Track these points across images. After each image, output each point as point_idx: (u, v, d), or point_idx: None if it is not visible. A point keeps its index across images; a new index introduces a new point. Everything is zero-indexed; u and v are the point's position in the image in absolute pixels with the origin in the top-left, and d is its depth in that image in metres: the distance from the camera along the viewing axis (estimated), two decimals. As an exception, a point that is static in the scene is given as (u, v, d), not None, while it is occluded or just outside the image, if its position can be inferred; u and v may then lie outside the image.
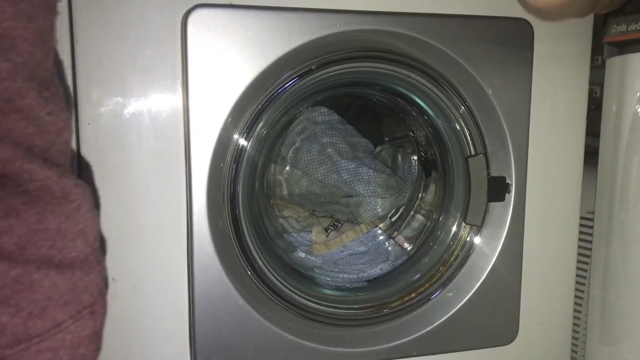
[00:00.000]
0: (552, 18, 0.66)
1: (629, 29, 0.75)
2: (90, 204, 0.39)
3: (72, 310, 0.36)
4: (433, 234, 0.96)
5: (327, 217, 1.10)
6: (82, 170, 0.67)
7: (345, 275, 0.97)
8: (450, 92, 0.81)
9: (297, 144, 1.10)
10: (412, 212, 1.08)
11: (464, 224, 0.88)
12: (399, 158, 1.15)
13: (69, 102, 0.60)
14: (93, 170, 0.68)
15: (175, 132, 0.70)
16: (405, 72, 0.80)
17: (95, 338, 0.38)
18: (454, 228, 0.90)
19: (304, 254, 1.00)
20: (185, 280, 0.72)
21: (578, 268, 0.91)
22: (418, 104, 0.90)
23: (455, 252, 0.88)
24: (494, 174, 0.84)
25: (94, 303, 0.39)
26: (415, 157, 1.10)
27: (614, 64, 0.81)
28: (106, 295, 0.40)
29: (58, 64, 0.63)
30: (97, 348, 0.39)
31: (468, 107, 0.81)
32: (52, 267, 0.35)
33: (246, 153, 0.75)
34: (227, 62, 0.68)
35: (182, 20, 0.67)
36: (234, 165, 0.74)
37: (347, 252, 1.01)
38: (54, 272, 0.35)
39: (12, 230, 0.34)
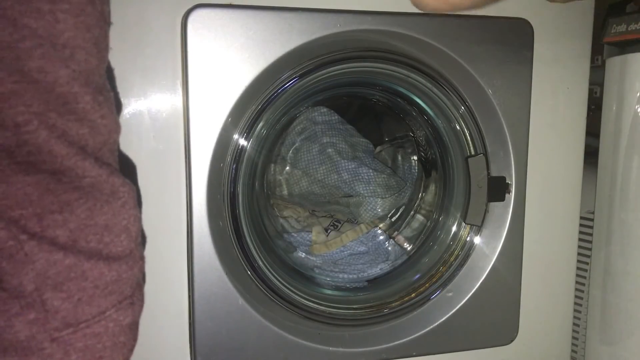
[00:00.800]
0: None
1: (629, 29, 0.75)
2: (134, 202, 0.42)
3: (115, 300, 0.39)
4: (433, 234, 0.96)
5: (327, 217, 1.10)
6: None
7: (345, 275, 0.97)
8: (450, 92, 0.81)
9: (297, 144, 1.11)
10: (412, 212, 1.08)
11: (464, 224, 0.88)
12: (399, 158, 1.15)
13: (119, 106, 0.62)
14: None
15: (175, 132, 0.70)
16: (405, 72, 0.80)
17: (134, 328, 0.42)
18: (454, 228, 0.90)
19: (304, 254, 1.00)
20: (185, 280, 0.72)
21: (578, 268, 0.91)
22: (418, 104, 0.90)
23: (455, 252, 0.88)
24: (494, 174, 0.84)
25: (134, 295, 0.42)
26: (415, 157, 1.10)
27: (614, 64, 0.81)
28: (143, 288, 0.43)
29: (109, 70, 0.64)
30: (135, 338, 0.42)
31: (468, 107, 0.81)
32: (101, 259, 0.38)
33: (246, 153, 0.75)
34: (227, 62, 0.68)
35: (182, 20, 0.67)
36: (234, 165, 0.74)
37: (347, 252, 1.01)
38: (102, 263, 0.38)
39: (65, 224, 0.37)
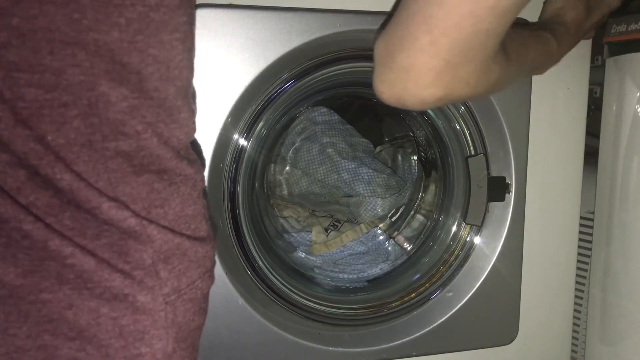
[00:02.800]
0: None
1: (629, 29, 0.75)
2: (204, 192, 0.50)
3: (201, 272, 0.48)
4: (433, 234, 0.96)
5: (327, 217, 1.10)
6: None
7: (345, 275, 0.97)
8: (450, 92, 0.81)
9: (297, 144, 1.11)
10: (412, 212, 1.08)
11: (464, 224, 0.88)
12: (399, 158, 1.15)
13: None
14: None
15: (175, 132, 0.70)
16: (405, 72, 0.80)
17: (208, 297, 0.50)
18: (454, 228, 0.90)
19: (304, 254, 1.00)
20: (185, 280, 0.72)
21: (578, 268, 0.91)
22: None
23: (455, 252, 0.88)
24: (494, 174, 0.84)
25: (211, 269, 0.50)
26: (415, 157, 1.10)
27: (614, 64, 0.81)
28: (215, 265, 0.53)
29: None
30: (207, 306, 0.51)
31: (468, 107, 0.81)
32: (195, 240, 0.47)
33: (246, 153, 0.75)
34: (227, 62, 0.68)
35: (182, 20, 0.67)
36: (234, 165, 0.74)
37: (347, 252, 1.01)
38: (196, 242, 0.47)
39: (166, 217, 0.44)
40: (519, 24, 0.70)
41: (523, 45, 0.59)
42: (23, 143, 0.38)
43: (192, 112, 0.48)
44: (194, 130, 0.49)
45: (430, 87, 0.48)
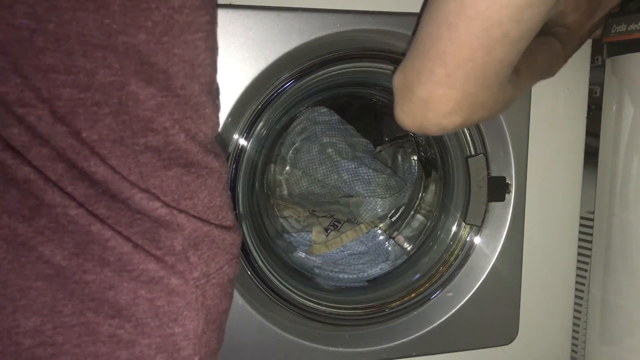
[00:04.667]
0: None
1: (629, 29, 0.74)
2: (227, 183, 0.53)
3: (228, 259, 0.50)
4: (433, 234, 0.96)
5: (327, 217, 1.10)
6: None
7: (345, 275, 0.97)
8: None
9: (297, 144, 1.11)
10: (412, 212, 1.08)
11: (464, 224, 0.88)
12: (399, 158, 1.15)
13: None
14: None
15: (175, 132, 0.70)
16: (405, 72, 0.80)
17: (233, 282, 0.52)
18: (454, 228, 0.90)
19: (304, 254, 1.00)
20: (185, 280, 0.72)
21: (578, 268, 0.91)
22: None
23: (455, 252, 0.88)
24: (494, 174, 0.84)
25: (237, 255, 0.53)
26: (415, 157, 1.10)
27: (614, 64, 0.80)
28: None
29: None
30: (233, 291, 0.53)
31: (468, 107, 0.81)
32: (222, 228, 0.49)
33: (246, 153, 0.75)
34: (227, 62, 0.68)
35: (182, 20, 0.67)
36: (234, 165, 0.74)
37: (347, 252, 1.02)
38: (224, 231, 0.49)
39: (194, 208, 0.47)
40: None
41: (531, 56, 0.60)
42: (61, 139, 0.41)
43: (217, 107, 0.50)
44: (218, 124, 0.51)
45: (450, 116, 0.50)
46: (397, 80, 0.52)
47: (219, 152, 0.51)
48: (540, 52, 0.64)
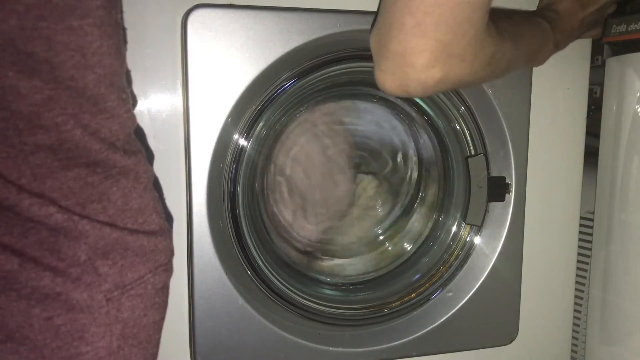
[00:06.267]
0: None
1: (629, 29, 0.74)
2: (152, 185, 0.49)
3: (152, 267, 0.46)
4: (433, 234, 0.96)
5: (327, 217, 1.09)
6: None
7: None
8: (450, 92, 0.81)
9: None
10: (412, 212, 1.08)
11: (464, 224, 0.88)
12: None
13: (135, 100, 0.67)
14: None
15: (175, 132, 0.70)
16: (405, 72, 0.80)
17: (165, 291, 0.49)
18: (454, 228, 0.90)
19: (304, 254, 1.00)
20: (185, 280, 0.72)
21: (578, 268, 0.91)
22: (418, 103, 0.90)
23: (455, 252, 0.88)
24: (494, 174, 0.84)
25: (167, 263, 0.49)
26: (415, 157, 1.10)
27: (614, 64, 0.80)
28: (172, 257, 0.51)
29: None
30: (166, 300, 0.49)
31: (468, 107, 0.81)
32: (140, 234, 0.45)
33: (246, 153, 0.75)
34: (227, 62, 0.68)
35: (182, 20, 0.67)
36: (234, 165, 0.74)
37: (347, 252, 1.01)
38: (142, 236, 0.45)
39: (105, 211, 0.43)
40: (511, 10, 0.70)
41: (515, 24, 0.60)
42: None
43: (123, 100, 0.45)
44: (131, 119, 0.46)
45: (428, 69, 0.48)
46: (373, 41, 0.52)
47: (136, 150, 0.47)
48: (526, 25, 0.63)
